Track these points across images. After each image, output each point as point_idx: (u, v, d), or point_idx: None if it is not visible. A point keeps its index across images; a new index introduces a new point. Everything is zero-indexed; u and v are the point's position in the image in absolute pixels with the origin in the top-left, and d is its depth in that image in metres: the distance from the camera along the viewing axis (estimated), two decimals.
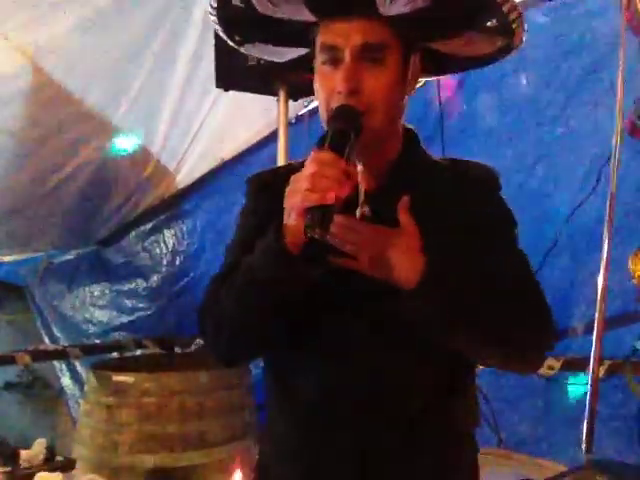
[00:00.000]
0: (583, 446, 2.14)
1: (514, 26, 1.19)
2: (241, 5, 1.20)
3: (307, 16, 1.17)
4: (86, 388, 3.20)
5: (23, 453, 3.27)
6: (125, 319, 4.18)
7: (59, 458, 3.22)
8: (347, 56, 1.12)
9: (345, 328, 1.16)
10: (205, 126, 3.31)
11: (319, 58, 1.17)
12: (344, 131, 1.08)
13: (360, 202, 1.16)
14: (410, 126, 1.28)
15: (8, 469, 3.06)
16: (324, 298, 1.14)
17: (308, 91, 1.40)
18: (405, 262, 1.06)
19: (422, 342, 1.11)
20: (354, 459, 1.16)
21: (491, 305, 1.09)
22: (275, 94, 2.66)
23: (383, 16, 1.11)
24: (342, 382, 1.16)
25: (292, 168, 1.15)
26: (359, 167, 1.17)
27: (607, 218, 2.21)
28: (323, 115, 1.17)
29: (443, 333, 1.09)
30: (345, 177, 1.03)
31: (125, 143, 3.27)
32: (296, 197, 1.03)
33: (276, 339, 1.20)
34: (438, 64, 1.27)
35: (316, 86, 1.18)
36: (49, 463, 3.16)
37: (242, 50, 1.35)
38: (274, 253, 1.08)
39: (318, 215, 1.01)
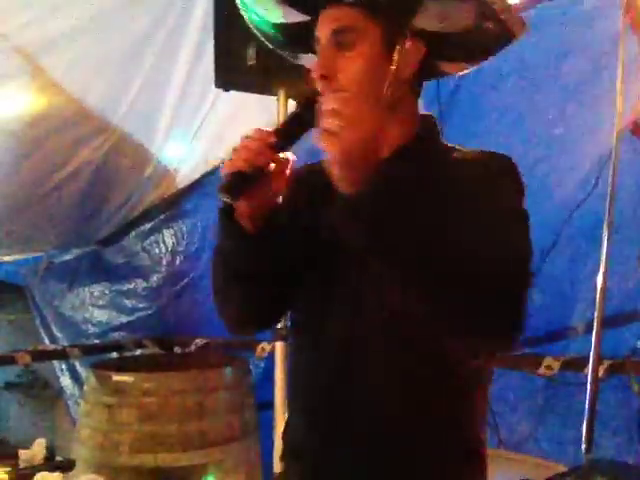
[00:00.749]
0: (583, 446, 2.14)
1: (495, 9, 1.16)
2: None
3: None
4: (86, 388, 3.20)
5: (23, 453, 3.27)
6: (125, 319, 4.18)
7: (59, 458, 3.22)
8: (321, 43, 1.16)
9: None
10: (205, 126, 3.31)
11: None
12: (297, 114, 1.14)
13: None
14: (427, 113, 1.26)
15: (8, 469, 3.06)
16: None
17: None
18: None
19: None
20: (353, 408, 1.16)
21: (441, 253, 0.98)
22: (275, 94, 2.66)
23: (353, 1, 1.13)
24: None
25: (311, 169, 1.23)
26: None
27: (607, 218, 2.20)
28: None
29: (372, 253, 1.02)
30: (267, 149, 1.08)
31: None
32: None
33: (253, 303, 1.23)
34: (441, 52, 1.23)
35: None
36: (49, 463, 3.16)
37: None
38: (219, 217, 1.17)
39: (228, 181, 1.08)
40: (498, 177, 1.13)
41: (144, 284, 4.11)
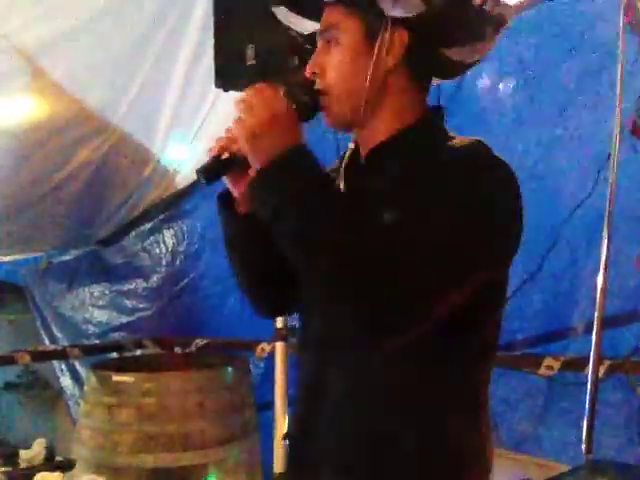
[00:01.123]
0: (583, 446, 2.14)
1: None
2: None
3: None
4: (86, 388, 3.20)
5: (23, 453, 3.27)
6: (125, 319, 4.18)
7: (59, 458, 3.22)
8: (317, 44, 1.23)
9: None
10: (205, 126, 3.31)
11: None
12: None
13: (337, 177, 1.27)
14: (437, 105, 1.26)
15: (8, 469, 3.06)
16: None
17: None
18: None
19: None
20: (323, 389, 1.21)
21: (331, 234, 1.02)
22: None
23: (331, 0, 1.19)
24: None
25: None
26: (350, 145, 1.28)
27: (607, 218, 2.20)
28: None
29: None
30: (231, 138, 1.16)
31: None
32: None
33: (263, 285, 1.36)
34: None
35: None
36: (49, 463, 3.16)
37: None
38: (216, 202, 1.29)
39: (205, 163, 1.18)
40: (456, 175, 1.10)
41: (144, 284, 4.11)
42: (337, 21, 1.18)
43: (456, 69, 1.27)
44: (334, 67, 1.18)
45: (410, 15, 1.13)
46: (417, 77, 1.21)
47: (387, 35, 1.15)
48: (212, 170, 1.18)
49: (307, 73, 1.20)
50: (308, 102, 1.18)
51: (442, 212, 1.05)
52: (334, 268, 1.01)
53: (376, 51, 1.15)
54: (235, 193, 1.25)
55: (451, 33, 1.18)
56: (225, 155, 1.17)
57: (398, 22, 1.15)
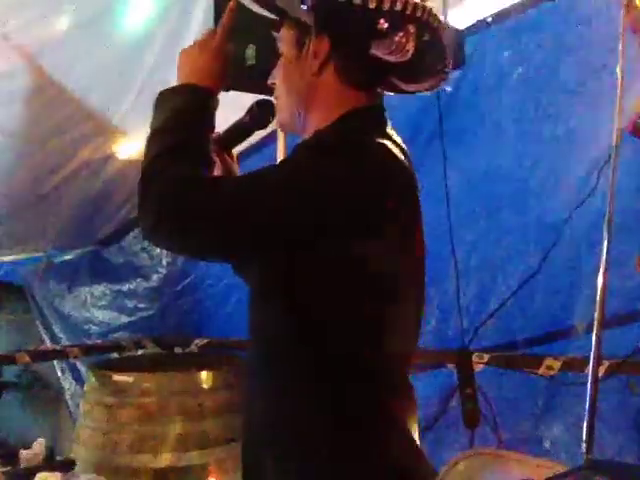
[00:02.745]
0: (583, 446, 2.14)
1: None
2: None
3: None
4: (86, 388, 3.20)
5: (23, 453, 3.27)
6: (126, 319, 4.18)
7: (59, 458, 3.22)
8: None
9: None
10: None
11: None
12: (241, 119, 1.46)
13: None
14: (369, 106, 1.31)
15: (8, 469, 3.06)
16: None
17: None
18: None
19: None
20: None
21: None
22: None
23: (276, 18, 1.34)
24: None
25: None
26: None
27: (607, 218, 2.21)
28: None
29: None
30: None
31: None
32: None
33: None
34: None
35: None
36: (49, 463, 3.16)
37: None
38: None
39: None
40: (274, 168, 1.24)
41: (145, 284, 4.11)
42: (281, 34, 1.33)
43: (393, 71, 1.31)
44: (278, 76, 1.35)
45: (303, 19, 1.26)
46: (347, 81, 1.28)
47: (312, 43, 1.27)
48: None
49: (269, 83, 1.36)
50: (259, 113, 1.41)
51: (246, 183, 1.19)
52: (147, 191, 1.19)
53: (303, 58, 1.29)
54: None
55: (367, 34, 1.25)
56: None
57: (323, 29, 1.26)
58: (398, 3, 1.22)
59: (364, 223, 1.15)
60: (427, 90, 1.42)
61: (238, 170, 1.48)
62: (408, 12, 1.23)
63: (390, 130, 1.30)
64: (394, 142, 1.26)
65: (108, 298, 4.23)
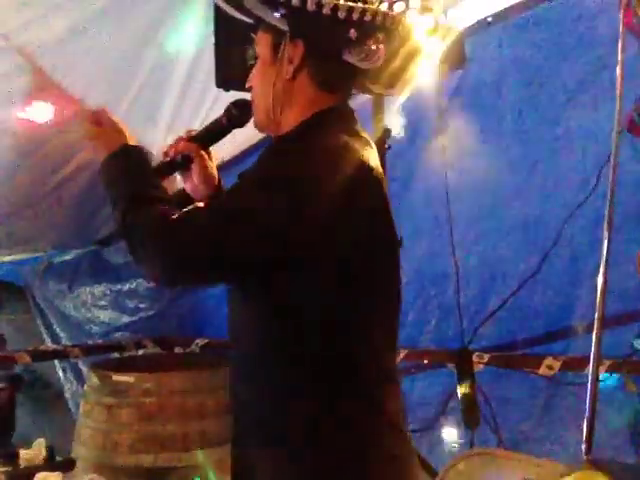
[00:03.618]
0: (583, 446, 2.14)
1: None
2: None
3: None
4: (86, 388, 3.20)
5: (23, 453, 3.26)
6: (128, 319, 4.18)
7: (59, 458, 3.22)
8: None
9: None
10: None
11: None
12: (218, 119, 1.47)
13: None
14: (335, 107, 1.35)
15: (8, 469, 3.06)
16: None
17: None
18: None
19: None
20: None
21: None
22: None
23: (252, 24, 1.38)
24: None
25: None
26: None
27: (607, 218, 2.21)
28: None
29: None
30: (186, 144, 1.45)
31: None
32: None
33: None
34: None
35: None
36: (49, 463, 3.15)
37: None
38: None
39: (155, 166, 1.43)
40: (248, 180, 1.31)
41: (145, 284, 4.11)
42: (257, 38, 1.38)
43: (365, 75, 1.40)
44: (254, 78, 1.39)
45: (276, 23, 1.30)
46: (320, 84, 1.33)
47: (287, 47, 1.31)
48: (160, 171, 1.42)
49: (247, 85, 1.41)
50: (236, 114, 1.43)
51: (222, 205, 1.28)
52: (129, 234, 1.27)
53: (278, 62, 1.33)
54: (186, 187, 1.47)
55: (339, 42, 1.30)
56: (167, 158, 1.44)
57: (297, 35, 1.30)
58: (368, 14, 1.28)
59: (337, 221, 1.20)
60: (396, 94, 1.47)
61: (215, 168, 1.50)
62: (377, 22, 1.30)
63: (358, 127, 1.35)
64: (362, 139, 1.32)
65: (108, 298, 4.23)
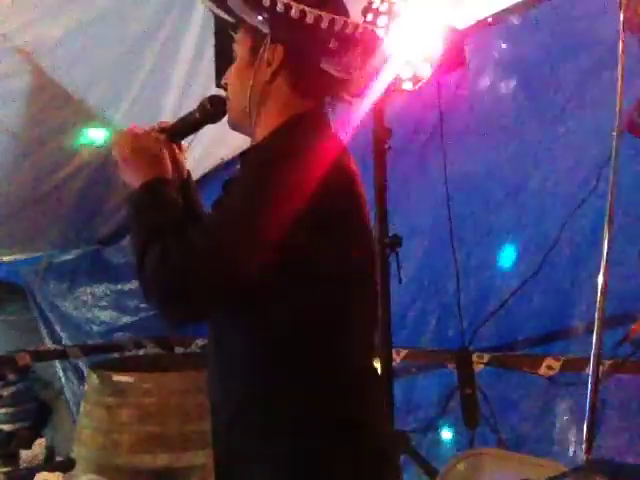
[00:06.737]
0: (583, 446, 2.14)
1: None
2: None
3: None
4: (86, 388, 3.20)
5: (23, 453, 3.27)
6: (129, 319, 4.18)
7: (59, 458, 3.22)
8: None
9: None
10: (205, 126, 3.30)
11: None
12: (191, 112, 1.49)
13: None
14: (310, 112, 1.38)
15: (8, 469, 3.06)
16: None
17: None
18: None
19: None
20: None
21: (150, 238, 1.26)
22: None
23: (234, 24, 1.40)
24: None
25: None
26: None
27: (607, 218, 2.20)
28: None
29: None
30: (157, 137, 1.47)
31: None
32: None
33: None
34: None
35: None
36: (49, 463, 3.16)
37: None
38: None
39: None
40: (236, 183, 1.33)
41: None
42: (238, 37, 1.40)
43: (340, 84, 1.41)
44: (231, 76, 1.41)
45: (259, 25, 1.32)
46: (297, 89, 1.36)
47: (267, 50, 1.34)
48: None
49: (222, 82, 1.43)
50: (210, 110, 1.44)
51: (217, 223, 1.29)
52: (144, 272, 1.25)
53: (257, 63, 1.35)
54: None
55: (319, 50, 1.33)
56: None
57: (278, 40, 1.33)
58: (350, 26, 1.32)
59: (319, 226, 1.22)
60: (368, 103, 1.51)
61: (184, 160, 1.54)
62: (357, 36, 1.33)
63: (333, 131, 1.39)
64: (337, 144, 1.35)
65: (109, 298, 4.23)
